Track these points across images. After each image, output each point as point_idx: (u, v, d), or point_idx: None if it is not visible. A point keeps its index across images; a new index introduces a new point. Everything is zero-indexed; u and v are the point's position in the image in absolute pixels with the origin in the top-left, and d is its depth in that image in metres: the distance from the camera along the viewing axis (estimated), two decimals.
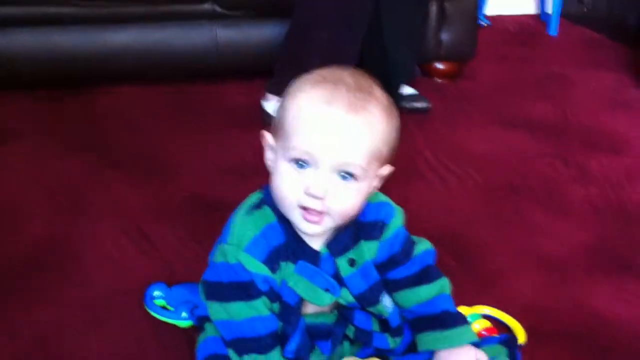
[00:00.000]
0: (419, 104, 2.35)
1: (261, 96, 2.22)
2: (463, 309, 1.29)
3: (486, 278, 1.51)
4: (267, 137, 1.04)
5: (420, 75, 2.57)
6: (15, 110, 2.30)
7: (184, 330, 1.31)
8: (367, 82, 1.01)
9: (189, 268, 1.48)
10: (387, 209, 1.11)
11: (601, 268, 1.56)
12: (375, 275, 1.11)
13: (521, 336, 1.30)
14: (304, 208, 0.98)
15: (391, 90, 2.29)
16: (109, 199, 1.78)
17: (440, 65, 2.65)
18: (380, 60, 2.25)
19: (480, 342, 1.14)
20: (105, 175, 1.90)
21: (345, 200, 0.99)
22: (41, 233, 1.63)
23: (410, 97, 2.37)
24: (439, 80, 2.66)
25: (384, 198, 1.12)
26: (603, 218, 1.77)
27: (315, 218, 0.99)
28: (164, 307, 1.35)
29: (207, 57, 2.47)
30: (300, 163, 0.97)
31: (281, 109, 1.01)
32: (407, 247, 1.13)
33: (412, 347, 1.16)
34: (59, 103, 2.34)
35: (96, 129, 2.19)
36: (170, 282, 1.41)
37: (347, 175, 0.98)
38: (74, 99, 2.37)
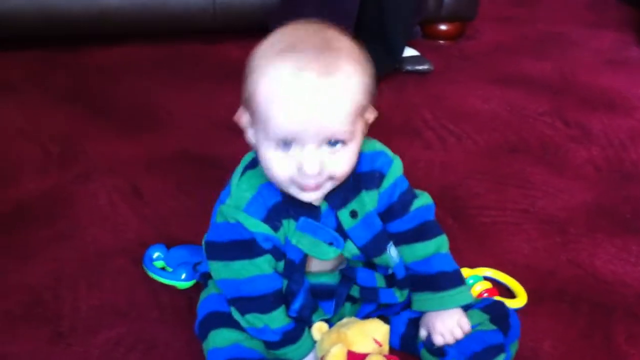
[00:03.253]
0: (421, 67, 2.31)
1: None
2: (465, 271, 1.28)
3: (484, 238, 1.50)
4: (243, 117, 1.01)
5: (421, 36, 2.51)
6: (8, 66, 2.25)
7: (182, 291, 1.30)
8: (332, 34, 0.97)
9: (182, 224, 1.47)
10: (383, 159, 1.09)
11: (602, 228, 1.55)
12: (378, 225, 1.09)
13: (523, 298, 1.30)
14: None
15: (394, 56, 2.25)
16: (101, 153, 1.76)
17: (442, 26, 2.60)
18: (379, 25, 2.18)
19: (474, 305, 1.13)
20: (97, 130, 1.88)
21: (341, 165, 0.97)
22: (33, 187, 1.60)
23: (412, 59, 2.32)
24: (441, 42, 2.61)
25: (379, 146, 1.10)
26: (604, 178, 1.75)
27: (313, 187, 0.97)
28: (163, 269, 1.34)
29: (203, 15, 2.41)
30: (285, 144, 0.94)
31: (250, 82, 0.96)
32: (406, 198, 1.11)
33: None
34: (52, 60, 2.30)
35: (89, 84, 2.16)
36: (164, 240, 1.40)
37: (337, 142, 0.95)
38: (67, 56, 2.33)
